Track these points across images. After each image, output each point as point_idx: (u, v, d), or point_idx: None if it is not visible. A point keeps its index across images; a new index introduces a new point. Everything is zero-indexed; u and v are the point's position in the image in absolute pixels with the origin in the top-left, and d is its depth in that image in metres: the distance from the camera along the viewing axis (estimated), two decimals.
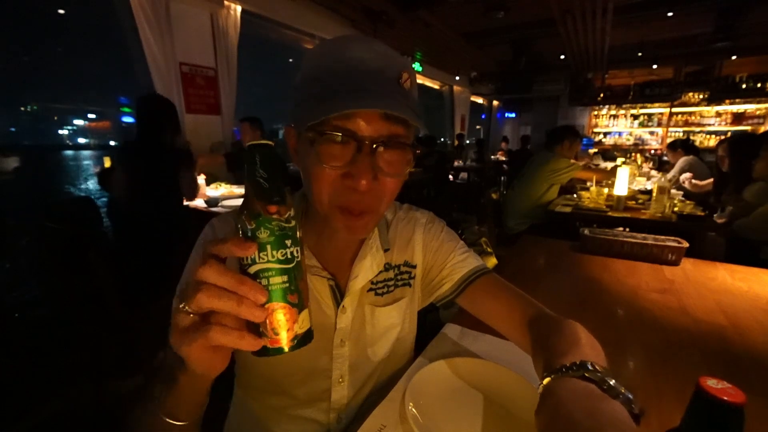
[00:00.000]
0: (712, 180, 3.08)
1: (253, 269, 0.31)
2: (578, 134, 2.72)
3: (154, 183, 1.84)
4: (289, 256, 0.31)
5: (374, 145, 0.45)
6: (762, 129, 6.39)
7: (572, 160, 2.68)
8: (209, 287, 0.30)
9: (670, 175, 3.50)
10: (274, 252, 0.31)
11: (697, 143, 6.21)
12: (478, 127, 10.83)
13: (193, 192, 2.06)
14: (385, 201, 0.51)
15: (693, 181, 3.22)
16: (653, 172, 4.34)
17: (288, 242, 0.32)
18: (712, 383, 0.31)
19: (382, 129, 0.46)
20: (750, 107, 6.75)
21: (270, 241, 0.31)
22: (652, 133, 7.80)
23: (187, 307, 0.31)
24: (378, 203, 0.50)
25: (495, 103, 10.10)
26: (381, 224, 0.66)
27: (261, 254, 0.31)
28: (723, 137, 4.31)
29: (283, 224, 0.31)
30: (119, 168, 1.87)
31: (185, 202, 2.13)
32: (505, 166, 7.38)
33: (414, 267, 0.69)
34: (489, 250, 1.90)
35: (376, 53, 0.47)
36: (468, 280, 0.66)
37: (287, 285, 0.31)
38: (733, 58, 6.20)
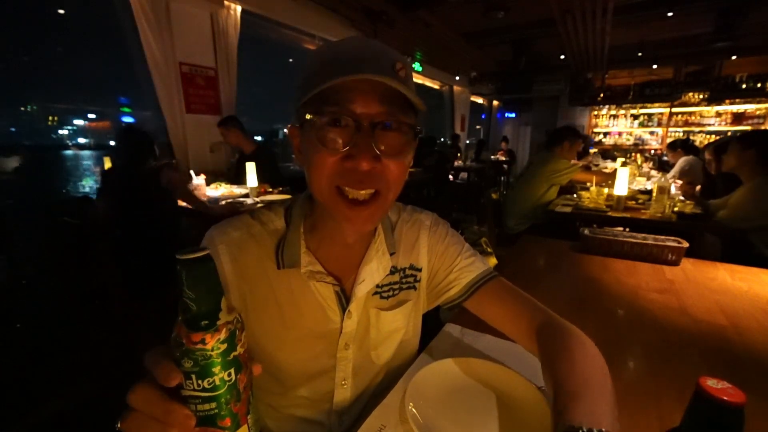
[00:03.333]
0: (699, 187, 3.09)
1: (183, 393, 0.30)
2: (579, 135, 2.71)
3: (141, 208, 1.88)
4: (218, 383, 0.30)
5: (374, 125, 0.46)
6: (762, 129, 6.39)
7: (572, 161, 2.68)
8: (137, 415, 0.30)
9: (670, 175, 3.51)
10: (200, 381, 0.29)
11: (697, 143, 6.21)
12: (478, 127, 10.82)
13: (189, 197, 2.07)
14: (392, 187, 0.50)
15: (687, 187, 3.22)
16: (653, 172, 4.34)
17: (216, 369, 0.29)
18: (712, 383, 0.31)
19: (381, 109, 0.46)
20: (750, 107, 6.75)
21: (194, 371, 0.29)
22: (652, 133, 7.80)
23: (121, 426, 0.31)
24: (383, 188, 0.49)
25: (495, 103, 10.09)
26: (386, 227, 0.65)
27: (187, 382, 0.29)
28: (722, 137, 4.31)
29: (208, 353, 0.29)
30: (103, 197, 1.95)
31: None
32: (505, 166, 7.39)
33: (419, 270, 0.68)
34: (489, 250, 1.90)
35: (371, 46, 0.48)
36: (475, 286, 0.66)
37: (216, 411, 0.30)
38: (733, 58, 6.19)
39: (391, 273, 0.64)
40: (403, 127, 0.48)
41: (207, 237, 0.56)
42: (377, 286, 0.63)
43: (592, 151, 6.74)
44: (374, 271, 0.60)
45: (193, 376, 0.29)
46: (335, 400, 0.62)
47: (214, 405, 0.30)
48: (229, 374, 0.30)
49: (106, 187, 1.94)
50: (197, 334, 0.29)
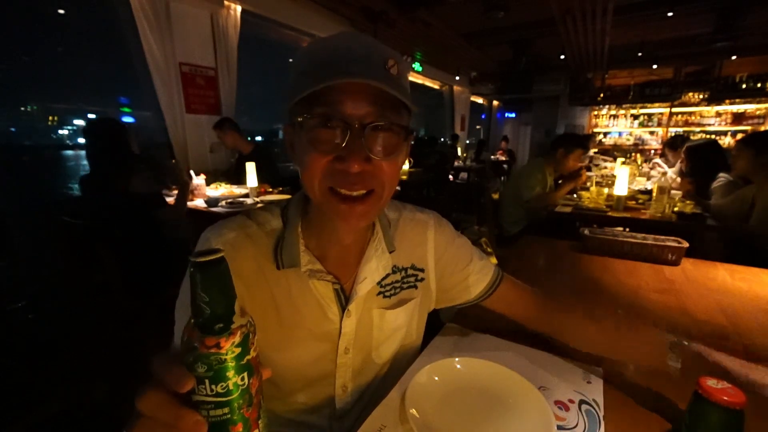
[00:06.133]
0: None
1: (194, 398, 0.29)
2: (577, 143, 2.66)
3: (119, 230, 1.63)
4: (231, 387, 0.29)
5: (364, 127, 0.45)
6: (762, 129, 6.39)
7: (577, 167, 2.66)
8: (146, 421, 0.29)
9: (670, 173, 3.50)
10: (213, 386, 0.28)
11: None
12: (478, 127, 10.82)
13: (180, 214, 1.91)
14: (386, 186, 0.50)
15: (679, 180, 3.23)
16: (653, 172, 4.34)
17: (230, 373, 0.29)
18: (712, 383, 0.31)
19: (371, 109, 0.45)
20: (750, 107, 6.75)
21: (208, 375, 0.28)
22: (652, 133, 7.80)
23: None
24: (376, 186, 0.49)
25: (495, 103, 10.09)
26: (384, 225, 0.64)
27: (199, 387, 0.28)
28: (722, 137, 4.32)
29: (223, 357, 0.28)
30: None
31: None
32: (505, 166, 7.40)
33: (421, 270, 0.68)
34: (489, 250, 1.90)
35: (362, 43, 0.47)
36: (491, 290, 0.72)
37: (228, 416, 0.29)
38: (733, 58, 6.19)
39: (393, 272, 0.64)
40: (394, 128, 0.47)
41: (202, 238, 0.55)
42: (380, 285, 0.62)
43: (592, 151, 6.73)
44: (374, 270, 0.60)
45: (206, 381, 0.28)
46: (336, 405, 0.62)
47: (226, 410, 0.29)
48: (243, 378, 0.30)
49: (87, 196, 1.70)
50: (212, 338, 0.28)
